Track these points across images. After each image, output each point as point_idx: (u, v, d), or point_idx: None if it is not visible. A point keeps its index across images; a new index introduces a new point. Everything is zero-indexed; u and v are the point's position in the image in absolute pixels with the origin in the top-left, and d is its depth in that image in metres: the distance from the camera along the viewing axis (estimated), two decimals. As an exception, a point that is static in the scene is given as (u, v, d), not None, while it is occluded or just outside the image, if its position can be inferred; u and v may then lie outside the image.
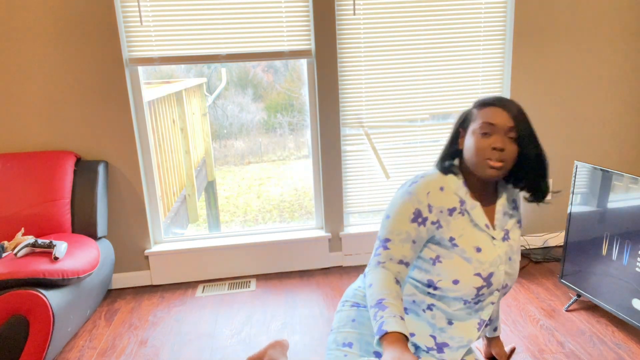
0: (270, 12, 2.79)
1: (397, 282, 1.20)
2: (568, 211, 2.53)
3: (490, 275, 1.24)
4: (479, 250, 1.23)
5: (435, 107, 3.07)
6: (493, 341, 1.57)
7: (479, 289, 1.23)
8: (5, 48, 2.62)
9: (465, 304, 1.26)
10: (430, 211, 1.22)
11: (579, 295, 2.53)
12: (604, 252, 2.32)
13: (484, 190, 1.29)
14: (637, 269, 2.15)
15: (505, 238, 1.29)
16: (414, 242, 1.22)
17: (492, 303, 1.29)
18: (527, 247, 3.32)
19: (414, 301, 1.31)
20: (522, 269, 3.02)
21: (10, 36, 2.60)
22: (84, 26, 2.64)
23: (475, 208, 1.25)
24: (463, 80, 3.06)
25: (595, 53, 3.09)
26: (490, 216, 1.29)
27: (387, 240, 1.23)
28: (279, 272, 3.15)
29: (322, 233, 3.14)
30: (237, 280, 3.05)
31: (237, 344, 2.38)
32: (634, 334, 2.30)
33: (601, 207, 2.33)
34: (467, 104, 3.09)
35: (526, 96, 3.09)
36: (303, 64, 2.95)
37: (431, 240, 1.25)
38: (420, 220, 1.21)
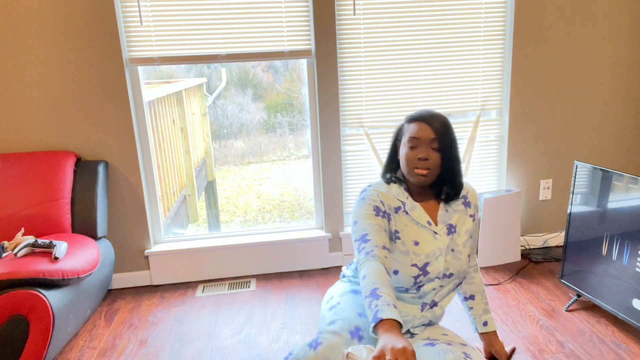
0: (270, 12, 2.79)
1: (387, 272, 1.33)
2: (568, 211, 2.53)
3: (426, 264, 1.41)
4: (416, 243, 1.42)
5: (435, 107, 3.07)
6: (492, 339, 1.57)
7: (415, 277, 1.40)
8: (5, 48, 2.62)
9: (407, 291, 1.43)
10: (383, 205, 1.43)
11: (579, 295, 2.53)
12: (604, 252, 2.32)
13: (424, 193, 1.48)
14: (637, 269, 2.15)
15: (451, 232, 1.46)
16: (385, 230, 1.40)
17: (434, 289, 1.44)
18: (527, 247, 3.32)
19: None
20: (522, 269, 3.02)
21: (10, 36, 2.61)
22: (84, 26, 2.64)
23: (415, 209, 1.45)
24: (463, 80, 3.06)
25: (595, 53, 3.09)
26: (434, 213, 1.47)
27: (365, 235, 1.38)
28: (279, 272, 3.15)
29: (322, 233, 3.14)
30: (237, 280, 3.05)
31: (237, 344, 2.38)
32: (634, 334, 2.30)
33: (601, 207, 2.33)
34: (467, 104, 3.09)
35: (526, 96, 3.09)
36: (303, 64, 2.95)
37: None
38: (381, 213, 1.42)
